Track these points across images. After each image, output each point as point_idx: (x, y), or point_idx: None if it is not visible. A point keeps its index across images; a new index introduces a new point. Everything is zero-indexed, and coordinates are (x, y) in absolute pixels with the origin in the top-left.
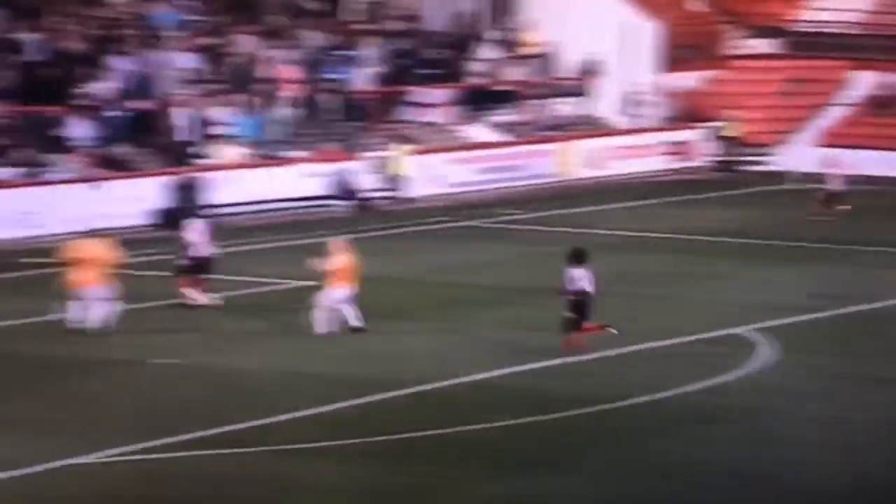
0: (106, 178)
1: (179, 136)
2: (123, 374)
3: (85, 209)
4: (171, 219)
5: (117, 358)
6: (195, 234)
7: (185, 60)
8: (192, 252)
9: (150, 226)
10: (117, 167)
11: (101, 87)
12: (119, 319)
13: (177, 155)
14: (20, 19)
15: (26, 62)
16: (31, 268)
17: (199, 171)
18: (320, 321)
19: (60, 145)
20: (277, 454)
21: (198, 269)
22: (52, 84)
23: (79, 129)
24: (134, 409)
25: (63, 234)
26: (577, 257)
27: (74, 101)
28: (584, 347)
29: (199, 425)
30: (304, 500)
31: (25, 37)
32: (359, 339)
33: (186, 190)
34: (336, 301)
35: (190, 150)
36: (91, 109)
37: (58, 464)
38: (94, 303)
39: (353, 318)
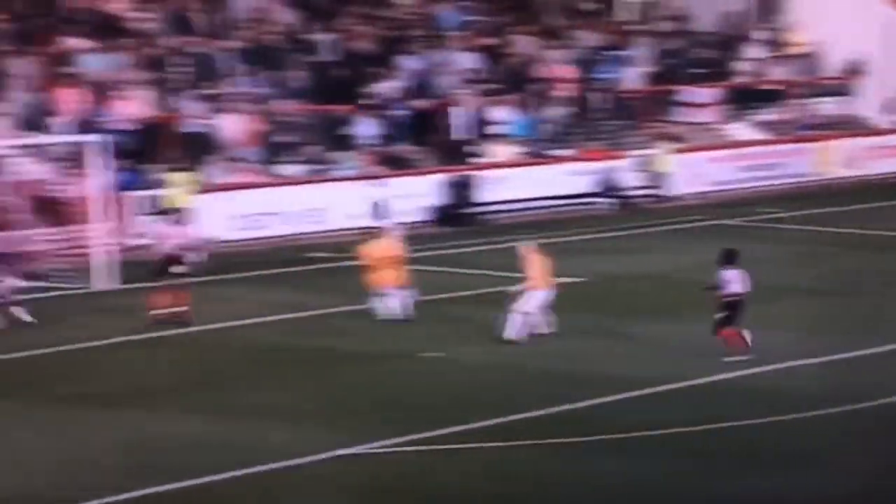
0: (388, 176)
1: (457, 135)
2: (394, 366)
3: (367, 206)
4: (447, 216)
5: (389, 350)
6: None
7: (466, 60)
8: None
9: (427, 222)
10: (399, 165)
11: (388, 87)
12: (414, 311)
13: (454, 153)
14: (314, 21)
15: (319, 62)
16: (317, 262)
17: (473, 169)
18: (516, 325)
19: (347, 143)
20: (537, 448)
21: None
22: (342, 83)
23: (365, 128)
24: (401, 401)
25: (346, 229)
26: (729, 258)
27: (362, 101)
28: (744, 348)
29: (463, 418)
30: (567, 493)
31: (319, 38)
32: (617, 336)
33: (461, 188)
34: (533, 306)
35: (466, 148)
36: (377, 108)
37: (330, 454)
38: (393, 297)
39: (544, 324)
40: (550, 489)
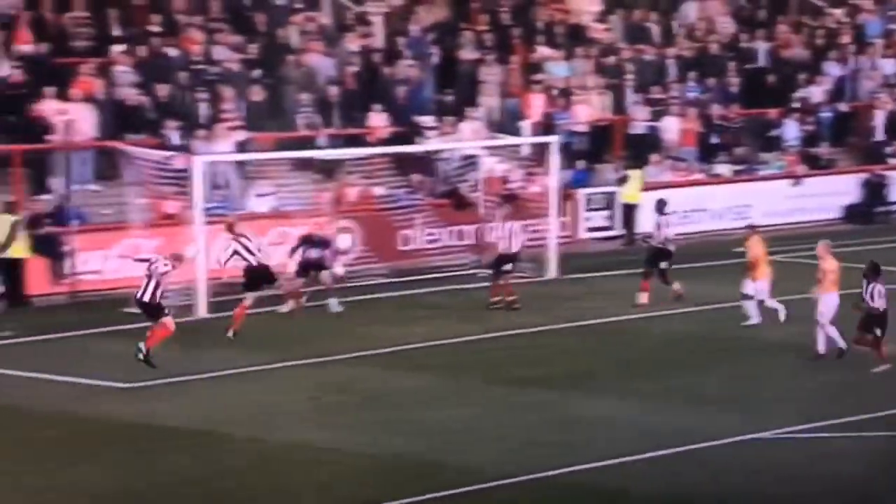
0: (806, 175)
1: (876, 136)
2: (791, 358)
3: (786, 204)
4: (857, 214)
5: (788, 343)
6: None
7: (888, 65)
8: None
9: (840, 220)
10: (818, 165)
11: (814, 91)
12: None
13: (872, 154)
14: (752, 29)
15: (753, 68)
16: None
17: (889, 169)
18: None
19: (774, 144)
20: None
21: None
22: (773, 88)
23: (790, 130)
24: (809, 390)
25: (769, 226)
26: (875, 271)
27: (790, 104)
28: (886, 360)
29: (859, 408)
30: None
31: (755, 45)
32: None
33: (875, 187)
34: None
35: (884, 149)
36: (803, 112)
37: (735, 439)
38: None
39: (838, 338)
40: None
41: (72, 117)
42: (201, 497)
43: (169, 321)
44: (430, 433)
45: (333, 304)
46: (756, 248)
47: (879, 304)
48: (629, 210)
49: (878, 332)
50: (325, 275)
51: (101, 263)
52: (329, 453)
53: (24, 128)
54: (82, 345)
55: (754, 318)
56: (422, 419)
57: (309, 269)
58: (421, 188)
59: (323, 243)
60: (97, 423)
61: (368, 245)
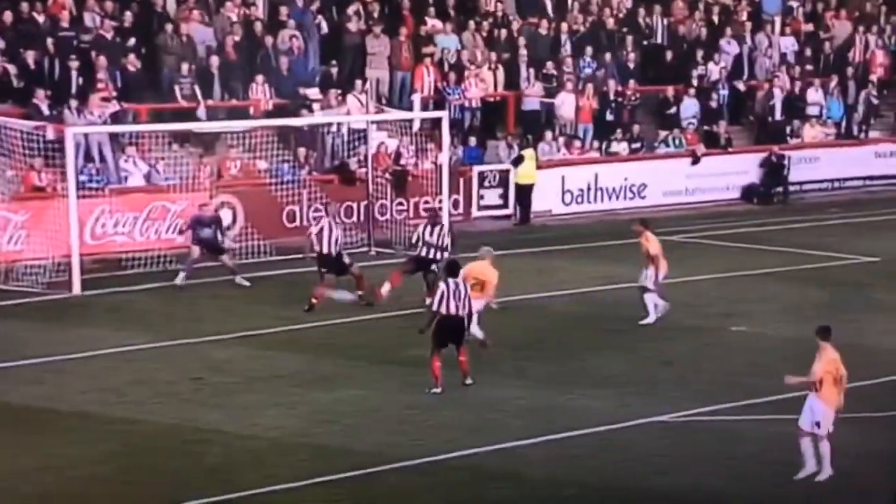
0: (705, 155)
1: (774, 115)
2: (708, 339)
3: (684, 183)
4: (756, 194)
5: (704, 325)
6: None
7: (785, 43)
8: None
9: (738, 200)
10: (716, 143)
11: (712, 69)
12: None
13: (770, 133)
14: (646, 4)
15: (650, 45)
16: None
17: (786, 149)
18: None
19: (671, 122)
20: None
21: None
22: (670, 65)
23: (688, 108)
24: (712, 373)
25: (664, 205)
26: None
27: (688, 82)
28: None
29: (762, 391)
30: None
31: (653, 20)
32: None
33: (773, 167)
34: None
35: (781, 129)
36: (701, 89)
37: (647, 420)
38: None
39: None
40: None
41: None
42: (79, 480)
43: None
44: (320, 415)
45: (239, 279)
46: (653, 243)
47: None
48: (523, 190)
49: None
50: (225, 258)
51: None
52: (214, 435)
53: None
54: None
55: (652, 316)
56: (312, 400)
57: (203, 248)
58: (307, 163)
59: (213, 222)
60: None
61: (252, 221)
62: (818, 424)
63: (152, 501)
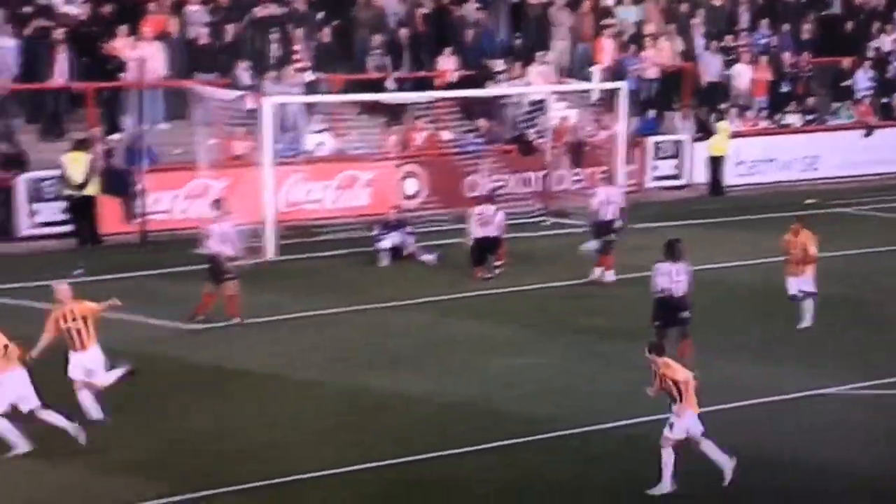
0: (878, 126)
1: None
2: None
3: (857, 155)
4: None
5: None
6: None
7: None
8: None
9: None
10: (889, 116)
11: (886, 40)
12: None
13: None
14: None
15: (827, 15)
16: (810, 209)
17: None
18: None
19: (845, 94)
20: None
21: None
22: (846, 36)
23: (862, 80)
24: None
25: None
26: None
27: (864, 53)
28: None
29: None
30: None
31: None
32: None
33: None
34: None
35: None
36: (876, 61)
37: (801, 394)
38: None
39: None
40: None
41: (143, 56)
42: (268, 443)
43: None
44: (498, 381)
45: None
46: (811, 244)
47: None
48: (716, 162)
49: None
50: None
51: (170, 203)
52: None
53: (97, 66)
54: (151, 285)
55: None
56: (485, 367)
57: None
58: (488, 134)
59: (400, 224)
60: (164, 364)
61: (434, 190)
62: None
63: (343, 461)
